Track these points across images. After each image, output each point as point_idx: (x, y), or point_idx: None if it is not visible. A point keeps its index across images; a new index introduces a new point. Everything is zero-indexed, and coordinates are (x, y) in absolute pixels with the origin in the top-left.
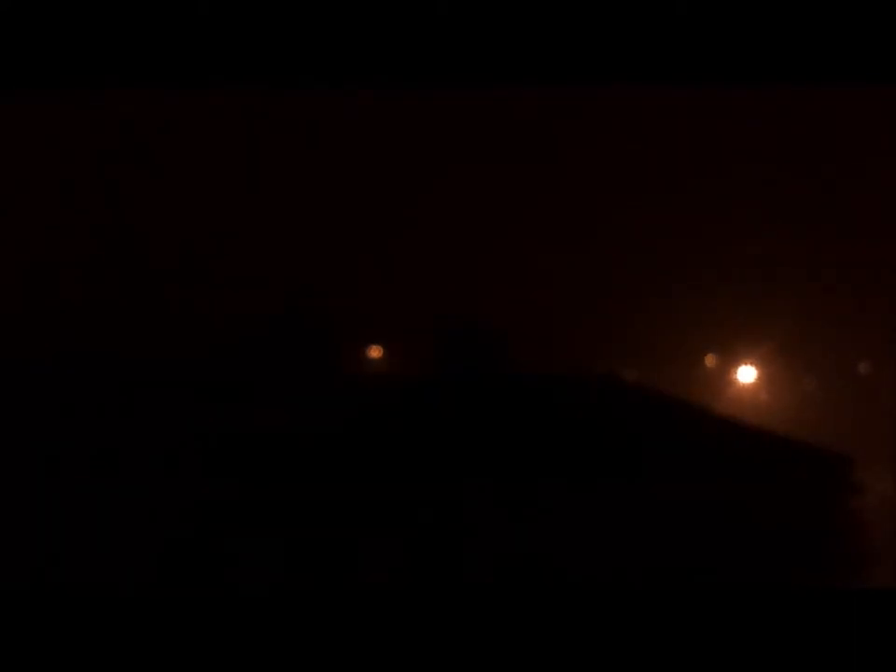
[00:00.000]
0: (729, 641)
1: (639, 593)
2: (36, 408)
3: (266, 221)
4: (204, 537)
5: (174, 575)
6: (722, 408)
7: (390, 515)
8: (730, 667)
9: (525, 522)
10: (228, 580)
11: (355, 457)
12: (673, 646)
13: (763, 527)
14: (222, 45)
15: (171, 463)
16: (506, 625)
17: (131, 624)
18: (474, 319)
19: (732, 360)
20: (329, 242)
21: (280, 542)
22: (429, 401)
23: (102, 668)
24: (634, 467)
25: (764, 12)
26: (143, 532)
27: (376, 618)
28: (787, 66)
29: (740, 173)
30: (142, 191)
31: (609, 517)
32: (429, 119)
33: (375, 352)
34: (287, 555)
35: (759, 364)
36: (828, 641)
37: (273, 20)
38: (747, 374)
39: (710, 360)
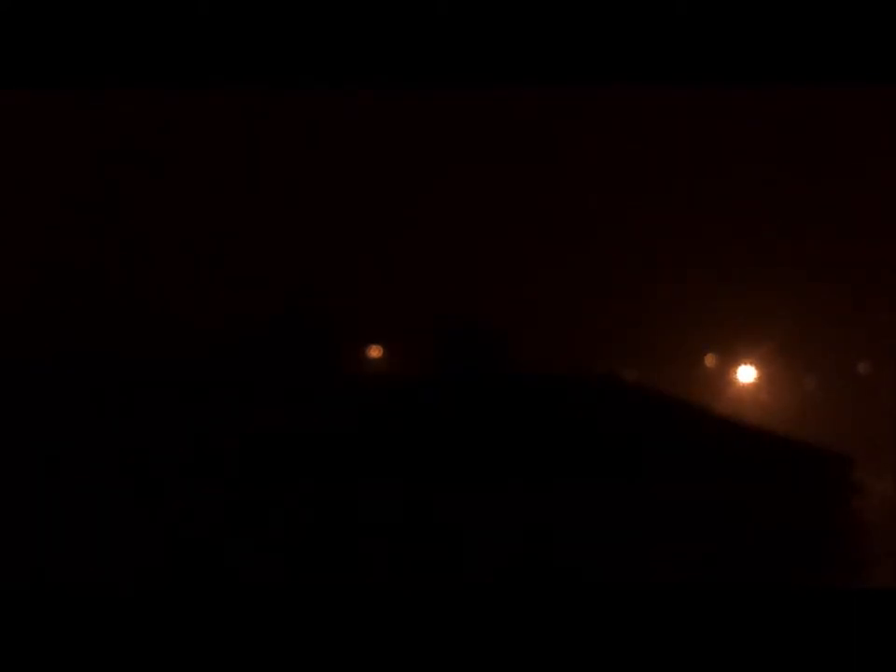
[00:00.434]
0: (729, 640)
1: (639, 592)
2: (36, 408)
3: (266, 221)
4: (204, 535)
5: (174, 574)
6: (722, 408)
7: (390, 514)
8: (730, 667)
9: (526, 521)
10: (227, 578)
11: (354, 457)
12: (673, 645)
13: (762, 527)
14: (222, 45)
15: (171, 462)
16: (505, 624)
17: (131, 624)
18: (474, 319)
19: (732, 360)
20: (329, 242)
21: (280, 541)
22: (429, 401)
23: (102, 668)
24: (634, 467)
25: (764, 12)
26: (143, 531)
27: (376, 617)
28: (787, 66)
29: (740, 173)
30: (142, 191)
31: (610, 516)
32: (429, 119)
33: (375, 352)
34: (287, 554)
35: (759, 364)
36: (828, 641)
37: (272, 20)
38: (747, 374)
39: (710, 360)
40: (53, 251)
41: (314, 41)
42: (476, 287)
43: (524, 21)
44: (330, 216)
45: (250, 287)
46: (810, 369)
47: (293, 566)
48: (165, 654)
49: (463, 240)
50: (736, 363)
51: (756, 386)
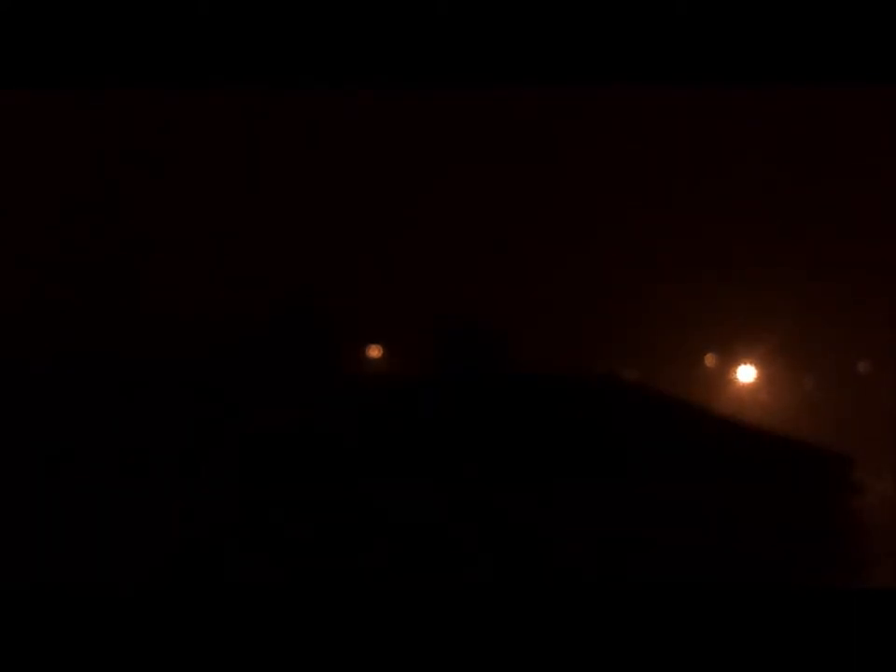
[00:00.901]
0: (729, 641)
1: (639, 592)
2: (36, 408)
3: (266, 221)
4: (204, 536)
5: (173, 574)
6: (722, 408)
7: (389, 514)
8: (730, 667)
9: (525, 521)
10: (227, 579)
11: (355, 457)
12: (673, 645)
13: (762, 527)
14: (222, 45)
15: (170, 463)
16: (505, 625)
17: (131, 624)
18: (474, 319)
19: (732, 360)
20: (329, 242)
21: (280, 542)
22: (429, 401)
23: (102, 668)
24: (634, 467)
25: (764, 12)
26: (142, 532)
27: (376, 617)
28: (787, 66)
29: (740, 173)
30: (142, 191)
31: (609, 517)
32: (429, 118)
33: (375, 352)
34: (287, 555)
35: (759, 364)
36: (828, 641)
37: (272, 20)
38: (747, 374)
39: (710, 360)
40: (53, 251)
41: (314, 41)
42: (476, 287)
43: (524, 21)
44: (330, 216)
45: (250, 286)
46: (810, 369)
47: (292, 566)
48: (165, 655)
49: (463, 240)
50: (736, 363)
51: (756, 386)
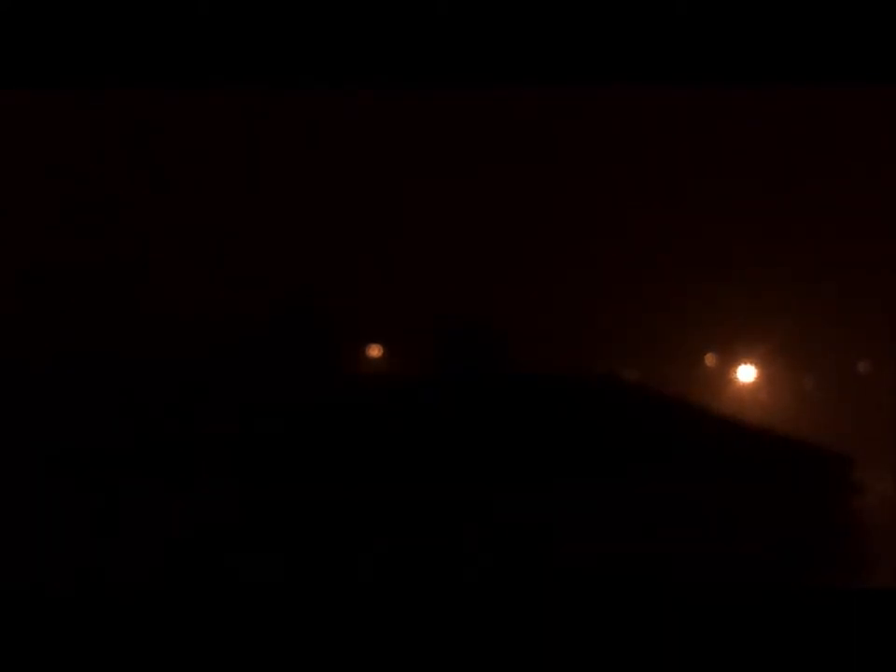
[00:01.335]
0: (729, 640)
1: (639, 592)
2: (36, 408)
3: (266, 221)
4: (204, 535)
5: (173, 573)
6: (722, 408)
7: (390, 515)
8: (730, 667)
9: (525, 521)
10: (227, 578)
11: (354, 457)
12: (673, 645)
13: (762, 527)
14: (222, 45)
15: (170, 463)
16: (505, 624)
17: (130, 624)
18: (474, 319)
19: (732, 360)
20: (329, 242)
21: (280, 541)
22: (429, 401)
23: (103, 668)
24: (634, 466)
25: (764, 12)
26: (142, 532)
27: (376, 616)
28: (787, 66)
29: (740, 173)
30: (142, 191)
31: (609, 516)
32: (429, 118)
33: (375, 352)
34: (287, 555)
35: (759, 364)
36: (828, 641)
37: (272, 20)
38: (747, 374)
39: (710, 360)
40: (53, 251)
41: (314, 41)
42: (476, 287)
43: (524, 21)
44: (330, 216)
45: (250, 287)
46: (810, 368)
47: (292, 566)
48: (166, 655)
49: (463, 240)
50: (736, 363)
51: (756, 386)
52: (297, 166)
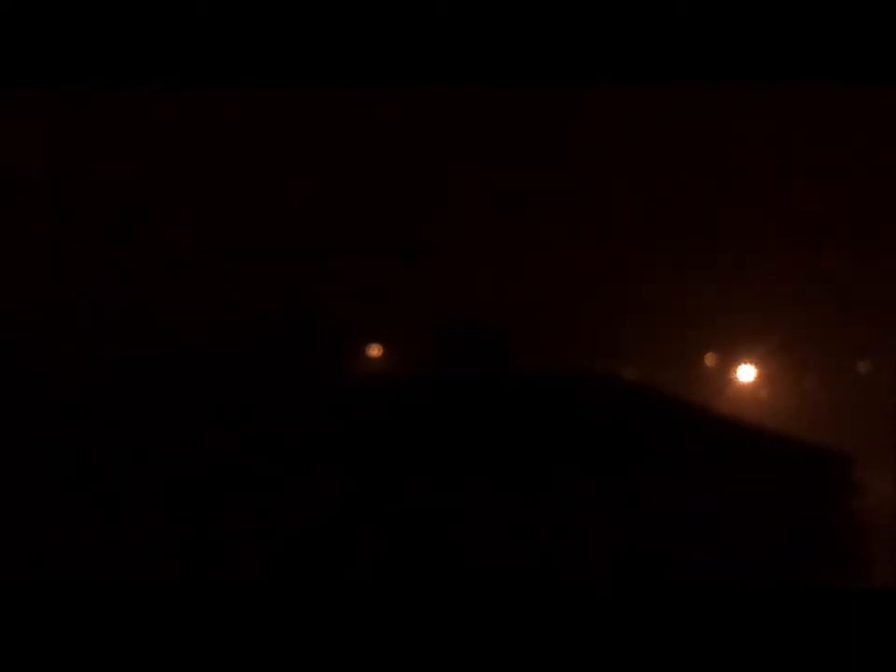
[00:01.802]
0: (729, 640)
1: (639, 591)
2: (36, 408)
3: (266, 221)
4: (203, 536)
5: (173, 574)
6: (722, 408)
7: (389, 514)
8: (730, 667)
9: (526, 521)
10: (227, 579)
11: (353, 457)
12: (672, 645)
13: (762, 527)
14: (222, 45)
15: (170, 463)
16: (505, 625)
17: (129, 624)
18: (474, 319)
19: (732, 360)
20: (330, 242)
21: (279, 542)
22: (429, 401)
23: (103, 667)
24: (633, 466)
25: (765, 12)
26: (142, 532)
27: (375, 617)
28: (787, 66)
29: (740, 172)
30: (141, 191)
31: (609, 516)
32: (430, 118)
33: (375, 352)
34: (287, 555)
35: (759, 363)
36: (828, 641)
37: (272, 20)
38: (746, 374)
39: (710, 360)
40: (53, 251)
41: (314, 41)
42: (476, 287)
43: (523, 21)
44: (330, 215)
45: (250, 286)
46: (810, 368)
47: (291, 566)
48: (162, 653)
49: (463, 240)
50: (736, 363)
51: (756, 386)
52: (296, 166)
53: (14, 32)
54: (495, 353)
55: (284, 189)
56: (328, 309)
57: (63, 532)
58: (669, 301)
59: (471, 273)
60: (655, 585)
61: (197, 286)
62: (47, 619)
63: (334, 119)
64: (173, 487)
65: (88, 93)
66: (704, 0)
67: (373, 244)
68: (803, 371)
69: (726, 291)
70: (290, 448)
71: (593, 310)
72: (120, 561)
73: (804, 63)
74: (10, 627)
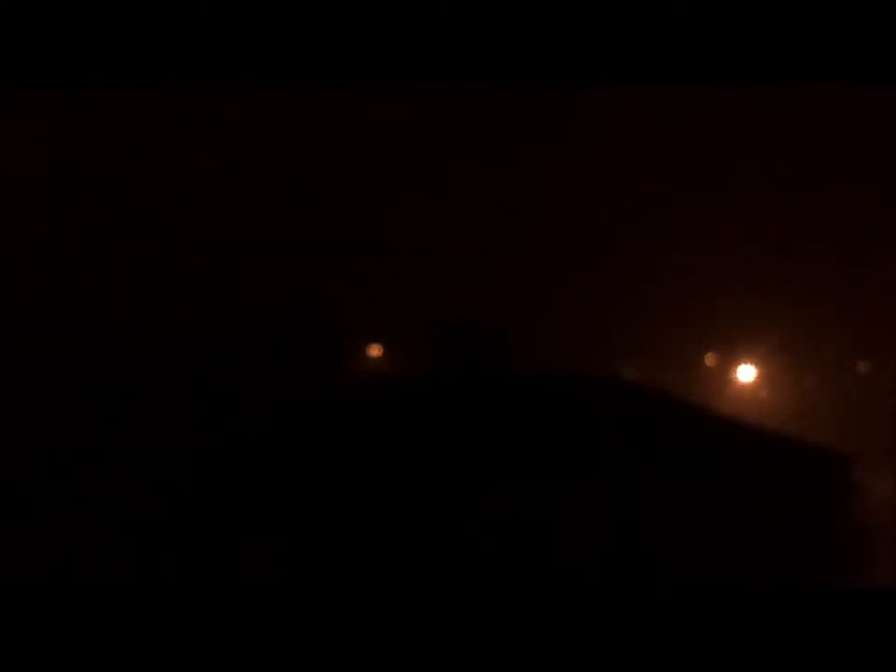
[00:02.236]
0: (729, 640)
1: (638, 592)
2: (35, 407)
3: (266, 221)
4: (202, 537)
5: (172, 574)
6: (722, 408)
7: (389, 515)
8: (730, 667)
9: (525, 521)
10: (226, 580)
11: (354, 458)
12: (672, 645)
13: (762, 527)
14: (222, 45)
15: (169, 463)
16: (504, 625)
17: (129, 624)
18: (474, 319)
19: (732, 360)
20: (330, 242)
21: (279, 543)
22: (429, 401)
23: (103, 667)
24: (634, 467)
25: (765, 12)
26: (142, 532)
27: (376, 617)
28: (787, 66)
29: (740, 172)
30: (141, 191)
31: (609, 517)
32: (430, 118)
33: (375, 352)
34: (287, 556)
35: (759, 363)
36: (828, 641)
37: (273, 20)
38: (747, 374)
39: (710, 360)
40: (52, 251)
41: (314, 41)
42: (476, 287)
43: (523, 21)
44: (330, 215)
45: (250, 286)
46: (810, 368)
47: (293, 566)
48: (161, 652)
49: (463, 240)
50: (736, 363)
51: (756, 386)
52: (296, 165)
53: (14, 32)
54: (495, 353)
55: (283, 190)
56: (328, 309)
57: (62, 532)
58: (669, 301)
59: (471, 273)
60: (655, 585)
61: (197, 286)
62: (47, 619)
63: (334, 119)
64: (172, 487)
65: (88, 93)
66: (704, 0)
67: (373, 244)
68: (803, 371)
69: (726, 291)
70: (290, 448)
71: (593, 310)
72: (120, 561)
73: (804, 63)
74: (9, 628)
